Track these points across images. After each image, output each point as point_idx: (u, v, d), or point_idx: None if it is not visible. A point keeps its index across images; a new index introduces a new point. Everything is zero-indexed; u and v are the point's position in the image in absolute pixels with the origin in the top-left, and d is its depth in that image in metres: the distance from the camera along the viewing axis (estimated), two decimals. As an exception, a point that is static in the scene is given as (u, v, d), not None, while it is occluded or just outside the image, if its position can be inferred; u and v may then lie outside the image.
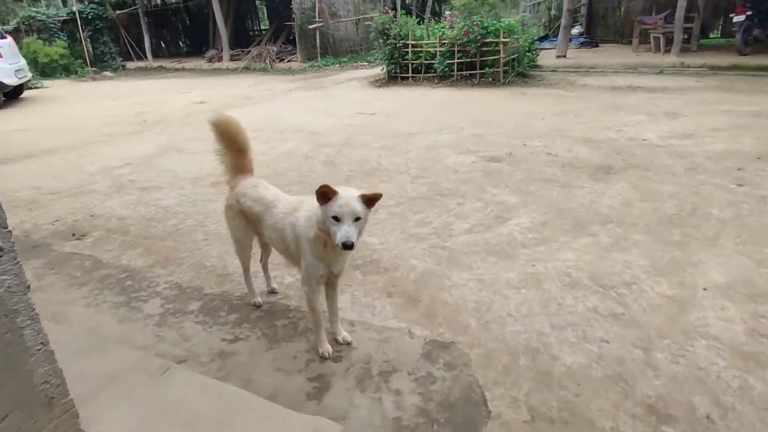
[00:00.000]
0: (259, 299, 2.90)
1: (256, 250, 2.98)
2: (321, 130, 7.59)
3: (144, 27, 21.63)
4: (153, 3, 24.14)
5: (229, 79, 15.78)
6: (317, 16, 16.97)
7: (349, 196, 2.05)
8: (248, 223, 2.66)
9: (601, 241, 3.52)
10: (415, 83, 11.84)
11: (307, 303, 2.38)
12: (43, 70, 18.54)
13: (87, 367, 1.96)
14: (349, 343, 2.51)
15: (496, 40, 10.73)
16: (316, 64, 16.85)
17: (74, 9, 20.28)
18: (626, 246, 3.42)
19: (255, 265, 3.10)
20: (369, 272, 3.24)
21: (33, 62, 18.01)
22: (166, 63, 21.18)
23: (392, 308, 2.82)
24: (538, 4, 21.46)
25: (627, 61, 12.63)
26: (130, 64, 21.78)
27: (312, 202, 2.16)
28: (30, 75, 12.97)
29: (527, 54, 11.95)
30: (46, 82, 16.62)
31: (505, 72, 10.99)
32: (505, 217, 4.01)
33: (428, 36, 12.02)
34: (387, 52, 11.97)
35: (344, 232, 2.00)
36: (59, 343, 2.34)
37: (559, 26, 15.03)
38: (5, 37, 11.78)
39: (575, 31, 16.59)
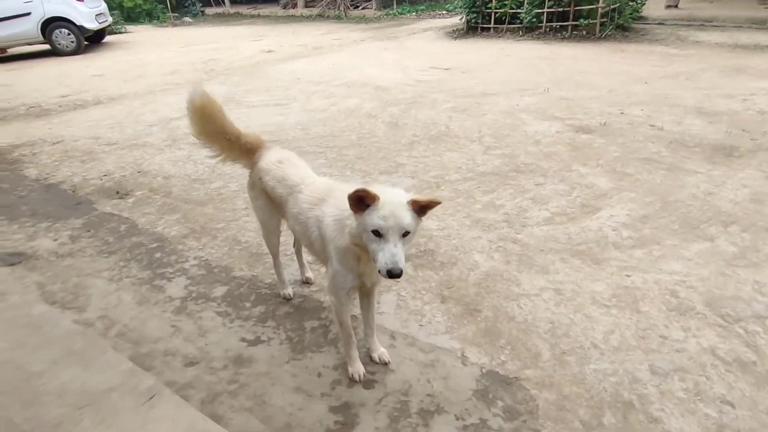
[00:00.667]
0: (289, 291, 2.51)
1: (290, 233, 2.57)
2: (388, 85, 6.97)
3: (223, -29, 21.46)
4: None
5: (302, 26, 15.29)
6: (396, -41, 15.86)
7: (395, 202, 1.52)
8: (274, 206, 2.21)
9: (721, 250, 2.75)
10: (497, 35, 10.72)
11: (334, 314, 1.93)
12: (128, 14, 19.02)
13: (70, 381, 1.67)
14: (386, 363, 2.05)
15: (596, -15, 9.32)
16: (391, 12, 15.92)
17: (158, -47, 20.47)
18: (757, 260, 2.64)
19: (288, 245, 2.70)
20: (422, 265, 2.74)
21: (119, 7, 18.52)
22: (242, 9, 21.06)
23: (444, 319, 2.31)
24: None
25: (754, 15, 10.63)
26: (209, 10, 21.88)
27: (342, 193, 1.66)
28: (111, 19, 13.22)
29: (630, 3, 10.35)
30: (129, 27, 17.02)
31: (602, 24, 9.59)
32: (594, 205, 3.30)
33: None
34: (468, -1, 10.87)
35: (389, 255, 1.48)
36: (51, 342, 2.04)
37: (672, -30, 12.93)
38: (88, -20, 11.94)
39: (691, -24, 14.26)
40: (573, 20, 9.76)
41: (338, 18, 16.60)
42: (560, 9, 9.83)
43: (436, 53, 9.47)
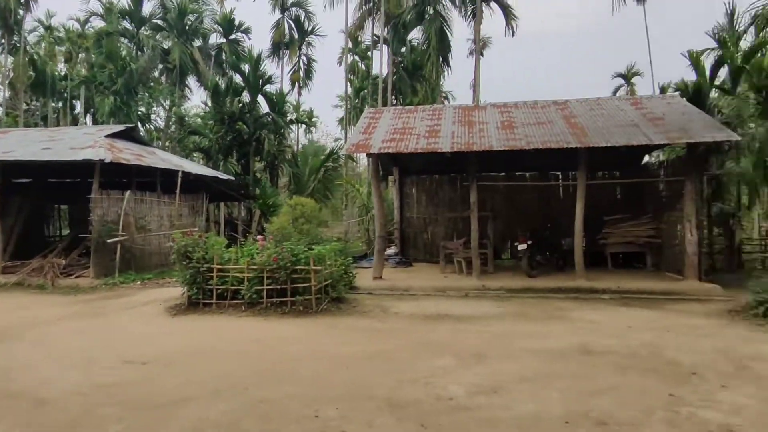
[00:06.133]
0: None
1: None
2: (53, 396, 5.44)
3: None
4: None
5: (-16, 299, 12.47)
6: (121, 230, 15.31)
7: None
8: None
9: None
10: (219, 310, 10.38)
11: None
12: None
13: None
14: None
15: (307, 267, 10.27)
16: (111, 281, 14.50)
17: None
18: None
19: None
20: None
21: None
22: None
23: None
24: (360, 222, 23.21)
25: (437, 284, 13.18)
26: None
27: None
28: None
29: (344, 276, 11.66)
30: None
31: (317, 299, 10.31)
32: None
33: (239, 259, 11.16)
34: (188, 276, 10.63)
35: None
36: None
37: (376, 247, 15.68)
38: None
39: (391, 251, 17.55)
40: (291, 296, 10.26)
41: (41, 287, 14.22)
42: (278, 286, 10.32)
43: (143, 336, 8.43)
